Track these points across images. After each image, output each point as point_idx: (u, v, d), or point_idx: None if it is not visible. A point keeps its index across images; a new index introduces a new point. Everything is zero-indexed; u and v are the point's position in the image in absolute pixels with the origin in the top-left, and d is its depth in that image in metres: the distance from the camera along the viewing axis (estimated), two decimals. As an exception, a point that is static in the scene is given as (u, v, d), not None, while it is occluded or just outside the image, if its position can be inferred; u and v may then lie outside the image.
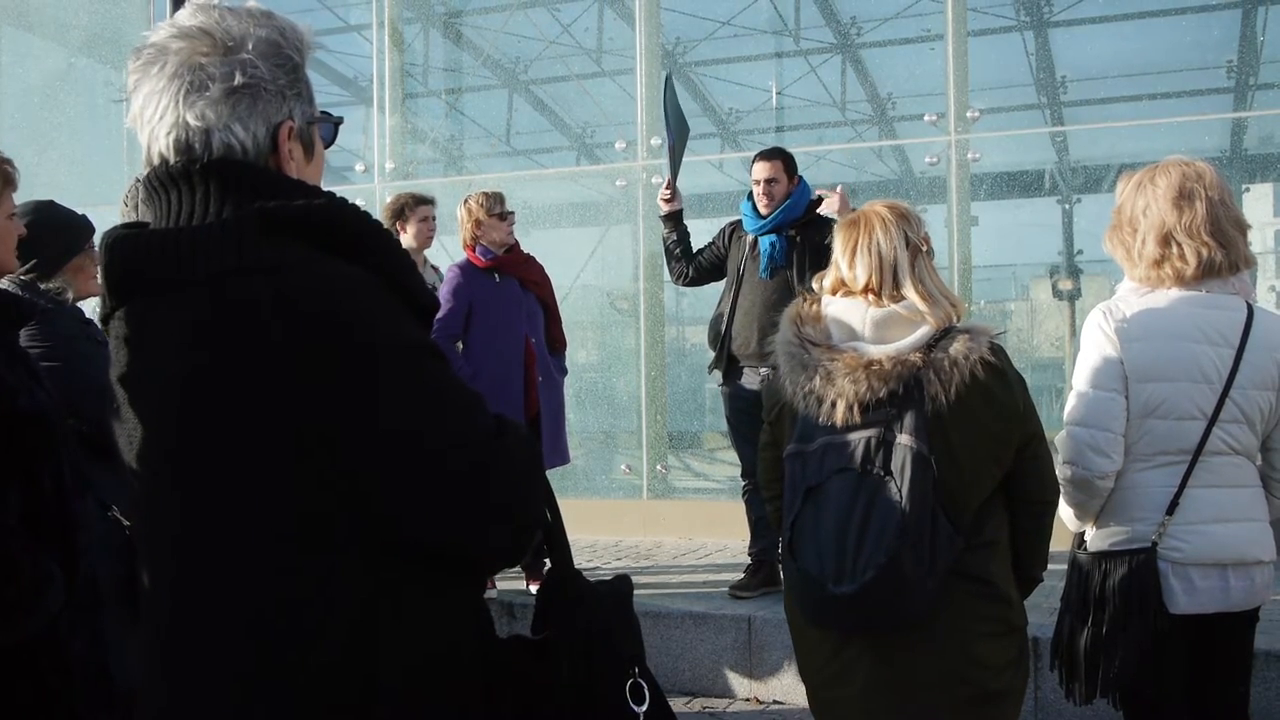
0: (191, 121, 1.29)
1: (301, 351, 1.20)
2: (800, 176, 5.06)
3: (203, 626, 1.28)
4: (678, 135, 5.35)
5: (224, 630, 1.26)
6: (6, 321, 2.16)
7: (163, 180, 1.31)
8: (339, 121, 1.44)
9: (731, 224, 5.24)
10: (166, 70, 1.30)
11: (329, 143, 1.44)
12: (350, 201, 1.32)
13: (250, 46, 1.31)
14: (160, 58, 1.30)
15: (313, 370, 1.20)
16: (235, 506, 1.25)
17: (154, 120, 1.31)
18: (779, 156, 5.02)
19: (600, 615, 1.51)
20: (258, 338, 1.20)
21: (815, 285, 2.48)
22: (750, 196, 5.05)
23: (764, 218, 4.97)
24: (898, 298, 2.32)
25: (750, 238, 5.03)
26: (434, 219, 5.54)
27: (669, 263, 5.42)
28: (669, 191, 5.29)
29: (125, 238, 1.32)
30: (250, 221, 1.24)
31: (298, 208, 1.27)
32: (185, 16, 1.32)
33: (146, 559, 1.36)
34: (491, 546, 1.35)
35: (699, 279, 5.36)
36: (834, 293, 2.40)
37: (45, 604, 1.93)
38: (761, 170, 4.98)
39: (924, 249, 2.37)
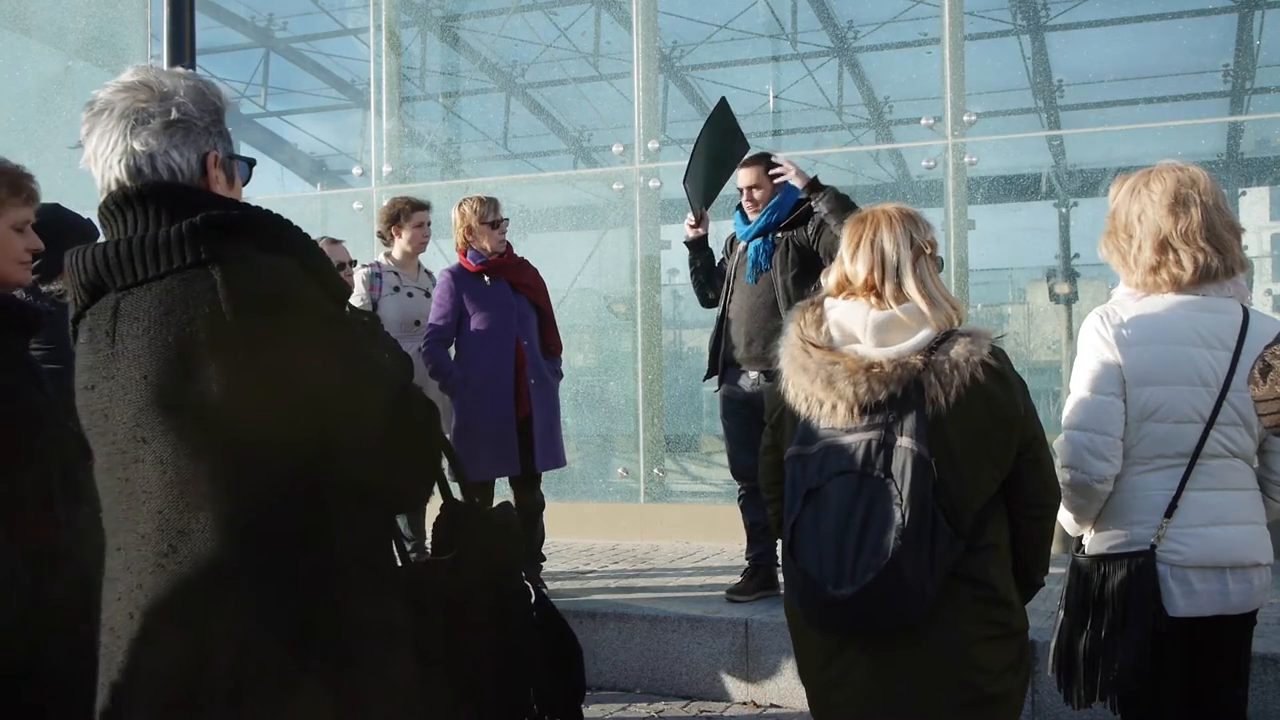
0: (138, 148, 1.61)
1: (248, 321, 1.51)
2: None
3: (188, 547, 1.54)
4: (708, 163, 5.13)
5: (205, 541, 1.54)
6: (15, 327, 2.17)
7: (119, 203, 1.62)
8: (253, 163, 1.79)
9: (730, 235, 5.26)
10: (114, 114, 1.62)
11: (245, 180, 1.77)
12: (271, 210, 1.66)
13: (181, 93, 1.65)
14: (109, 106, 1.63)
15: (257, 337, 1.51)
16: (200, 451, 1.53)
17: (107, 153, 1.62)
18: (759, 162, 5.00)
19: (493, 535, 1.97)
20: (214, 313, 1.51)
21: (822, 280, 2.48)
22: (740, 205, 5.07)
23: (750, 224, 4.99)
24: (900, 298, 2.32)
25: (742, 245, 5.06)
26: (429, 224, 5.55)
27: (695, 289, 5.36)
28: (694, 218, 5.21)
29: (90, 249, 1.62)
30: (199, 226, 1.56)
31: (234, 215, 1.61)
32: (126, 77, 1.66)
33: (121, 505, 1.60)
34: (396, 485, 1.69)
35: (721, 299, 5.32)
36: (838, 290, 2.40)
37: (4, 603, 1.92)
38: (744, 178, 5.00)
39: (928, 252, 2.37)
